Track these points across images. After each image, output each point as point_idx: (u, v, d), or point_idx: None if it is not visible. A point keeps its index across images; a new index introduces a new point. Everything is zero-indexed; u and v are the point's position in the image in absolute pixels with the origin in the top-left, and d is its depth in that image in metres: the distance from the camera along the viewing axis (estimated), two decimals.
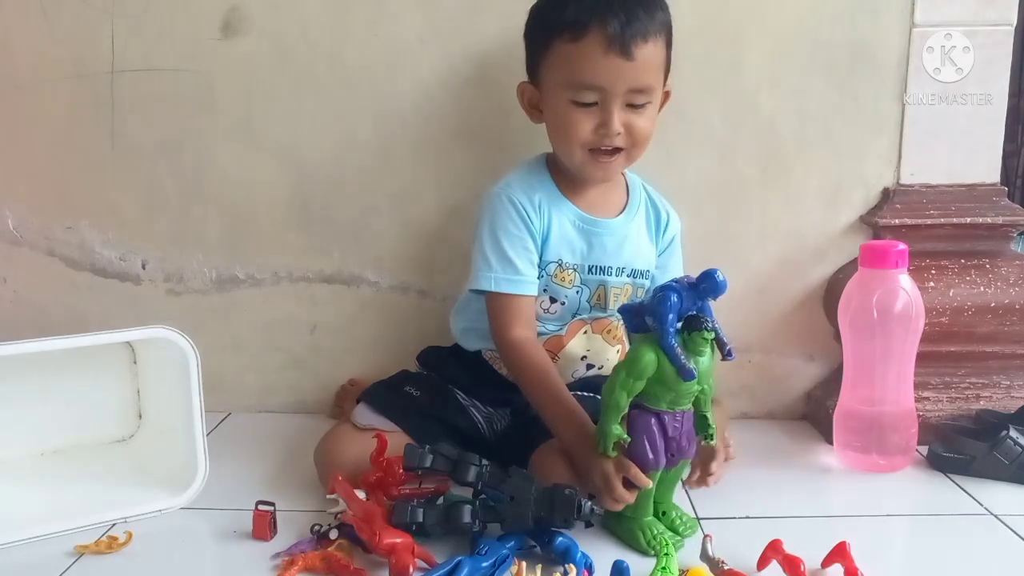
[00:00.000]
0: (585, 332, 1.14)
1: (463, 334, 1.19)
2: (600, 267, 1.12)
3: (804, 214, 1.30)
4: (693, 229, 1.30)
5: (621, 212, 1.15)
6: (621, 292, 1.14)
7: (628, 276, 1.14)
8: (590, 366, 1.15)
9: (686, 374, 0.89)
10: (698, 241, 1.30)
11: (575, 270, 1.11)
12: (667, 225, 1.19)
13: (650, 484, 0.93)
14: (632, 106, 1.04)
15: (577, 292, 1.12)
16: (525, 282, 1.08)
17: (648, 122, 1.07)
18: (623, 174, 1.18)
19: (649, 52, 1.02)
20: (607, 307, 1.14)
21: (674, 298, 0.90)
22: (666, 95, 1.12)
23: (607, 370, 1.16)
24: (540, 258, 1.10)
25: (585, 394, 1.13)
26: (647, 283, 1.17)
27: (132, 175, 1.32)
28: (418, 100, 1.28)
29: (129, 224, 1.34)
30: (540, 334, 1.12)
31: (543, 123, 1.11)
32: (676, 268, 1.20)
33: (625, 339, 1.19)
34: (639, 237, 1.15)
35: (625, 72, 1.01)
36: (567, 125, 1.05)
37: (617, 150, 1.06)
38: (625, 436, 0.92)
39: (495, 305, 1.09)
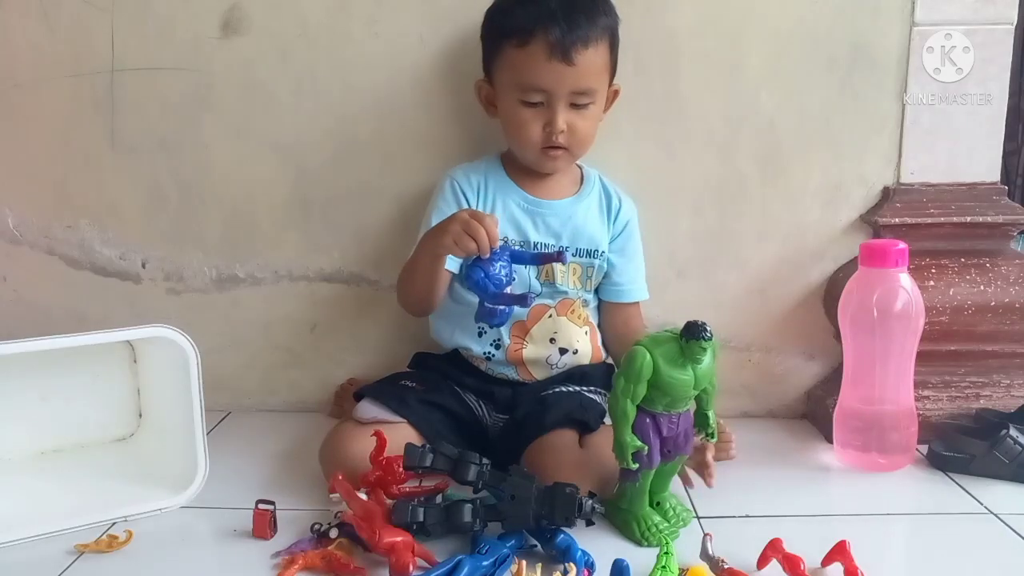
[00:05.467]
0: (550, 315, 1.18)
1: (439, 333, 1.23)
2: (545, 244, 1.17)
3: (804, 213, 1.30)
4: (693, 228, 1.30)
5: (570, 196, 1.20)
6: (567, 269, 1.18)
7: (573, 255, 1.18)
8: (563, 350, 1.18)
9: (489, 309, 0.98)
10: (698, 240, 1.30)
11: (521, 247, 1.16)
12: (620, 210, 1.22)
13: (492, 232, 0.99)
14: (576, 106, 1.11)
15: (525, 268, 1.16)
16: None
17: (589, 123, 1.14)
18: (579, 166, 1.23)
19: (590, 57, 1.09)
20: (555, 282, 1.18)
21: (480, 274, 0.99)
22: (614, 93, 1.18)
23: (581, 354, 1.19)
24: None
25: (568, 389, 1.16)
26: (598, 262, 1.20)
27: (132, 174, 1.32)
28: (418, 99, 1.28)
29: (129, 223, 1.34)
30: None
31: (496, 118, 1.18)
32: (632, 251, 1.23)
33: (592, 321, 1.22)
34: (588, 218, 1.20)
35: (567, 76, 1.08)
36: (518, 123, 1.13)
37: (562, 148, 1.13)
38: (640, 445, 0.92)
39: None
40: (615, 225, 1.22)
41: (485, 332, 1.18)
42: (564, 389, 1.17)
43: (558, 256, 1.02)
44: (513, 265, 1.03)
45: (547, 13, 1.07)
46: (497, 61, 1.13)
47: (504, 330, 1.17)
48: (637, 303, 1.24)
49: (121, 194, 1.33)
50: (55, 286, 1.36)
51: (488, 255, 0.99)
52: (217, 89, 1.29)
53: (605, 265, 1.21)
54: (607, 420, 1.09)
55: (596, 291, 1.23)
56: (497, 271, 1.00)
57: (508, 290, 1.01)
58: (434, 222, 1.13)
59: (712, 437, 1.00)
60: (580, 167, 1.23)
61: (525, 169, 1.19)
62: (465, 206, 1.16)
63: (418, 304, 1.17)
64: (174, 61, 1.28)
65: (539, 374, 1.18)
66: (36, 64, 1.29)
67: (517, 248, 1.09)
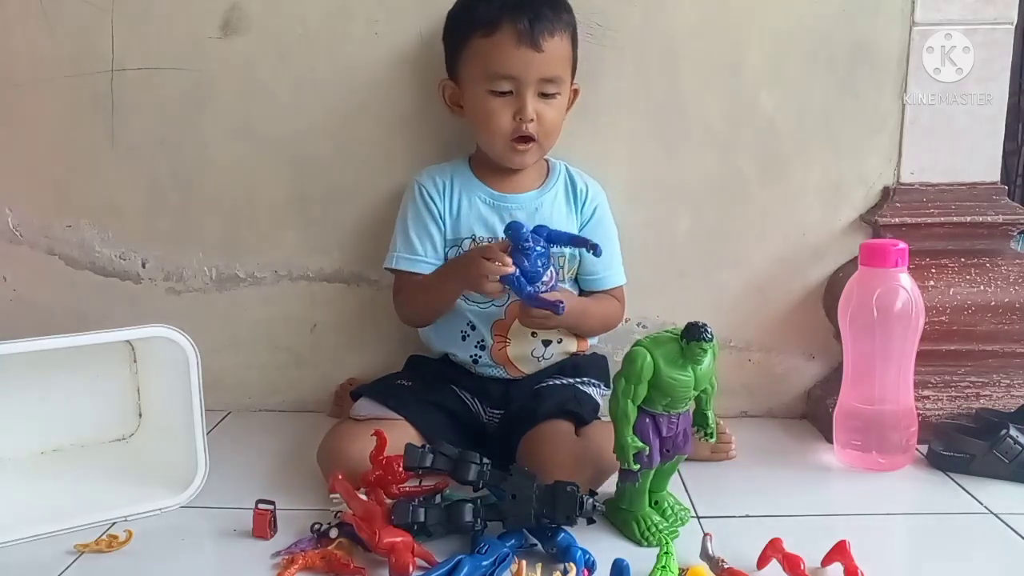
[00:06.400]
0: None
1: (429, 338, 1.24)
2: None
3: (804, 213, 1.30)
4: (693, 228, 1.30)
5: (535, 189, 1.21)
6: None
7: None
8: (546, 342, 1.18)
9: (526, 297, 1.02)
10: (698, 240, 1.30)
11: (489, 244, 1.15)
12: (586, 196, 1.21)
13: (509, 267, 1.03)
14: (544, 96, 1.13)
15: (432, 273, 1.17)
16: (420, 262, 1.18)
17: (557, 113, 1.15)
18: (545, 160, 1.22)
19: (556, 45, 1.11)
20: None
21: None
22: (575, 92, 1.19)
23: (566, 342, 1.20)
24: (453, 235, 1.18)
25: (561, 381, 1.17)
26: (568, 251, 1.19)
27: (132, 174, 1.32)
28: (418, 99, 1.28)
29: (129, 223, 1.34)
30: (479, 315, 1.17)
31: (463, 118, 1.18)
32: (606, 238, 1.21)
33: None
34: (554, 209, 1.20)
35: (535, 62, 1.10)
36: (487, 114, 1.13)
37: (531, 139, 1.13)
38: (642, 446, 0.93)
39: (396, 280, 1.21)
40: (583, 212, 1.21)
41: (468, 336, 1.18)
42: (557, 382, 1.17)
43: (592, 248, 1.05)
44: (550, 249, 1.07)
45: (513, 3, 1.10)
46: (463, 55, 1.14)
47: (486, 331, 1.17)
48: (618, 287, 1.23)
49: (121, 194, 1.33)
50: (55, 286, 1.36)
51: (513, 270, 1.03)
52: (217, 89, 1.29)
53: (577, 255, 1.20)
54: (604, 416, 1.09)
55: (576, 280, 1.22)
56: (533, 264, 1.03)
57: (545, 283, 1.06)
58: (410, 227, 1.18)
59: (711, 437, 1.00)
60: (546, 159, 1.23)
61: (492, 166, 1.19)
62: (434, 209, 1.18)
63: (426, 322, 1.21)
64: (174, 61, 1.28)
65: (528, 369, 1.18)
66: (36, 64, 1.29)
67: (554, 230, 1.09)
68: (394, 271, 1.20)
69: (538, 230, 1.06)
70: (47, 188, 1.34)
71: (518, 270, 1.03)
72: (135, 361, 1.19)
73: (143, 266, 1.35)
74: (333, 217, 1.32)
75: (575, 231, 1.20)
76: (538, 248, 1.04)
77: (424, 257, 1.18)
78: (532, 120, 1.12)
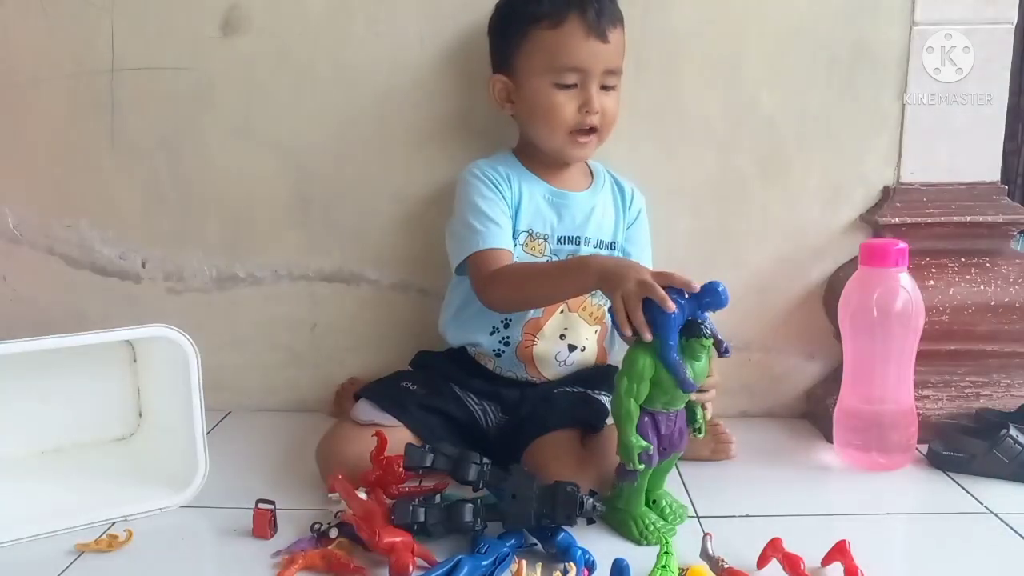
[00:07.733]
0: (562, 311, 1.17)
1: (447, 328, 1.22)
2: (569, 237, 1.17)
3: (804, 212, 1.30)
4: (693, 228, 1.30)
5: (587, 188, 1.21)
6: None
7: (595, 246, 1.18)
8: (572, 347, 1.17)
9: (687, 387, 0.90)
10: (698, 240, 1.30)
11: (545, 240, 1.16)
12: (632, 199, 1.23)
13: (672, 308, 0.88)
14: (605, 88, 1.13)
15: (548, 262, 1.15)
16: (504, 235, 1.11)
17: (617, 104, 1.15)
18: (585, 162, 1.23)
19: (618, 36, 1.12)
20: None
21: (676, 313, 0.89)
22: None
23: (589, 352, 1.19)
24: (513, 225, 1.15)
25: (573, 389, 1.16)
26: (616, 253, 1.20)
27: (132, 174, 1.32)
28: (418, 99, 1.28)
29: (129, 222, 1.34)
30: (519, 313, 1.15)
31: (511, 114, 1.18)
32: (644, 240, 1.24)
33: (608, 320, 1.19)
34: (606, 210, 1.20)
35: (602, 54, 1.10)
36: (551, 107, 1.11)
37: (593, 130, 1.13)
38: (646, 445, 0.92)
39: (480, 265, 1.09)
40: (629, 212, 1.22)
41: (497, 330, 1.16)
42: (570, 389, 1.16)
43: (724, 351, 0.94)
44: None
45: None
46: (523, 48, 1.12)
47: (518, 329, 1.15)
48: None
49: (121, 194, 1.33)
50: (55, 286, 1.36)
51: (675, 309, 0.88)
52: (217, 89, 1.29)
53: (621, 253, 1.20)
54: (611, 420, 1.09)
55: None
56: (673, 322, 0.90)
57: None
58: (485, 209, 1.11)
59: (699, 432, 0.99)
60: (586, 161, 1.23)
61: (542, 162, 1.18)
62: (503, 193, 1.13)
63: (523, 310, 1.13)
64: (174, 61, 1.28)
65: (547, 372, 1.18)
66: (36, 63, 1.29)
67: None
68: (475, 258, 1.10)
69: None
70: (47, 188, 1.34)
71: (683, 315, 0.90)
72: (135, 361, 1.19)
73: (143, 266, 1.35)
74: (333, 217, 1.32)
75: (622, 231, 1.21)
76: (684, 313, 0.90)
77: (507, 232, 1.12)
78: (599, 112, 1.11)
